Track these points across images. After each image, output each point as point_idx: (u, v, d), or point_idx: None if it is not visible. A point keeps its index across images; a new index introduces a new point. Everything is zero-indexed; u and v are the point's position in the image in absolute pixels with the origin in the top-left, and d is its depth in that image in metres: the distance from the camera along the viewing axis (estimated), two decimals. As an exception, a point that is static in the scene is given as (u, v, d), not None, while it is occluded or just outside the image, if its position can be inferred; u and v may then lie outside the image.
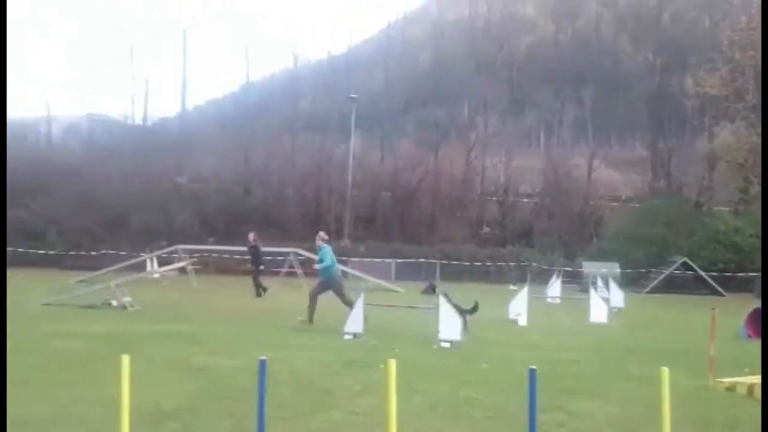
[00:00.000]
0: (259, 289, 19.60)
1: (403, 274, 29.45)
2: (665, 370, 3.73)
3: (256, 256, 20.67)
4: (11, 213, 33.09)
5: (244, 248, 23.05)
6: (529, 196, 40.64)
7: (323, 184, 37.33)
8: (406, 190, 37.49)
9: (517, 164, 41.52)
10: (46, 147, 43.96)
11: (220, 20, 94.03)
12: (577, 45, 53.05)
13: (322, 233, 14.11)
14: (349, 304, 12.21)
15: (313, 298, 13.12)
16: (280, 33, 49.78)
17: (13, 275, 24.73)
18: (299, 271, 24.03)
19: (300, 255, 24.61)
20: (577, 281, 27.71)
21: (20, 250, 30.94)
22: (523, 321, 13.81)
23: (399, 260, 30.80)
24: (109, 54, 75.83)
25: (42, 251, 31.12)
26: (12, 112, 51.40)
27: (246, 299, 18.70)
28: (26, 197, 33.79)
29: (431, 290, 21.16)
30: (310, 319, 12.83)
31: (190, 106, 50.33)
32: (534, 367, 3.60)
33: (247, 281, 20.66)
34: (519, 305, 14.33)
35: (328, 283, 13.23)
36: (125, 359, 3.29)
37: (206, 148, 40.63)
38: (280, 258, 25.95)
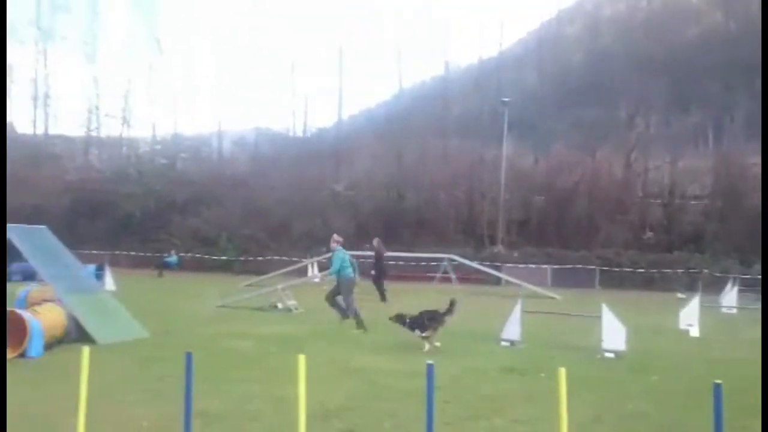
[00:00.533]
0: (384, 294, 19.57)
1: (560, 280, 28.55)
2: None
3: (376, 261, 20.77)
4: (189, 222, 36.11)
5: (399, 254, 23.40)
6: (697, 197, 37.84)
7: (476, 188, 37.14)
8: (561, 193, 36.34)
9: (683, 164, 38.85)
10: (218, 160, 47.45)
11: (373, 31, 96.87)
12: (750, 33, 48.82)
13: (335, 236, 13.74)
14: (342, 311, 12.80)
15: (332, 301, 13.29)
16: (430, 40, 50.89)
17: (190, 279, 27.00)
18: (453, 276, 24.07)
19: (454, 261, 24.64)
20: (755, 290, 25.40)
21: (197, 255, 33.64)
22: (695, 332, 12.87)
23: (555, 266, 29.93)
24: (272, 70, 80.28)
25: (215, 257, 33.59)
26: (188, 129, 56.09)
27: (407, 302, 18.96)
28: (201, 207, 36.67)
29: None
30: (359, 325, 12.45)
31: (345, 116, 52.24)
32: (719, 381, 3.34)
33: (407, 286, 20.92)
34: (690, 315, 13.37)
35: (342, 283, 13.07)
36: (301, 359, 3.46)
37: (361, 156, 41.88)
38: (434, 264, 26.16)
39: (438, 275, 24.57)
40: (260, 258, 31.92)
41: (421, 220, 34.84)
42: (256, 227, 34.98)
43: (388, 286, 20.12)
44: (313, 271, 25.60)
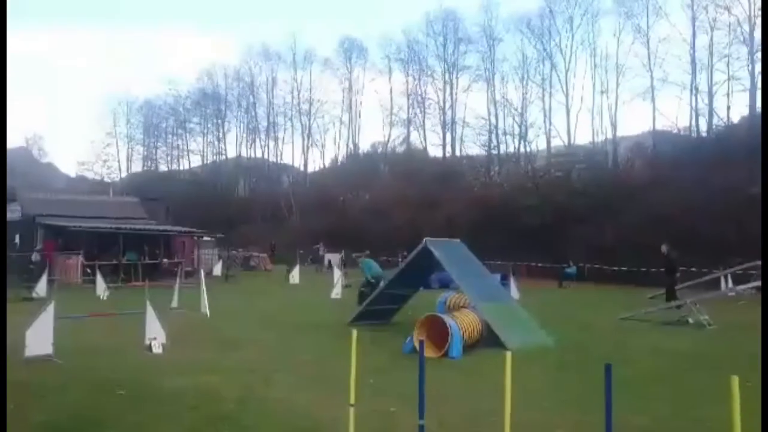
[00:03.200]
0: (671, 300, 17.40)
1: None
2: None
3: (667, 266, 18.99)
4: (586, 232, 36.02)
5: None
6: None
7: None
8: None
9: None
10: (613, 168, 46.47)
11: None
12: None
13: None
14: None
15: None
16: None
17: (589, 290, 26.83)
18: None
19: None
20: None
21: (596, 266, 33.35)
22: None
23: None
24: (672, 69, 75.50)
25: (614, 267, 32.81)
26: (583, 138, 56.18)
27: None
28: (598, 216, 36.27)
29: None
30: None
31: (758, 108, 46.18)
32: None
33: None
34: None
35: None
36: (734, 380, 3.17)
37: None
38: None
39: None
40: (663, 269, 30.11)
41: None
42: (658, 236, 33.14)
43: None
44: (728, 284, 23.19)
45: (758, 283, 20.70)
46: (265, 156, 69.36)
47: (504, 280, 23.27)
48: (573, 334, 12.46)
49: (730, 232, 30.83)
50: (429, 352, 9.60)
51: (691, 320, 14.64)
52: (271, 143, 68.95)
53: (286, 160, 69.76)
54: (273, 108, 68.10)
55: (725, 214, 32.42)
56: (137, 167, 79.59)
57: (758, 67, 43.20)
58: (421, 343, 5.23)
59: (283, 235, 48.25)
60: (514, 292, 20.54)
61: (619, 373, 8.21)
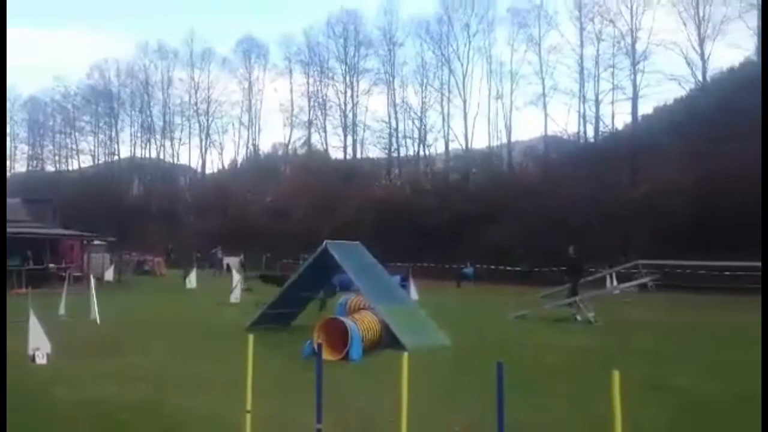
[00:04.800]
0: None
1: None
2: None
3: (571, 267, 19.19)
4: (483, 234, 37.06)
5: (713, 263, 21.25)
6: None
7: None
8: None
9: None
10: (508, 171, 48.09)
11: (667, 20, 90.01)
12: None
13: None
14: None
15: None
16: (739, 22, 44.22)
17: (486, 290, 27.65)
18: (779, 288, 21.10)
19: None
20: None
21: (492, 267, 34.37)
22: None
23: None
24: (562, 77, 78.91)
25: (509, 268, 33.94)
26: (479, 143, 57.86)
27: (724, 318, 17.23)
28: (494, 218, 37.40)
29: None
30: None
31: (639, 116, 49.12)
32: None
33: (718, 299, 19.05)
34: None
35: None
36: (615, 375, 3.32)
37: (661, 159, 38.98)
38: (756, 274, 23.19)
39: (760, 287, 21.69)
40: (555, 268, 31.44)
41: (738, 226, 31.13)
42: (549, 237, 34.57)
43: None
44: (613, 283, 24.45)
45: (642, 281, 22.01)
46: (161, 156, 67.17)
47: (403, 281, 23.53)
48: (470, 334, 12.77)
49: (615, 233, 32.59)
50: (329, 355, 9.57)
51: (579, 318, 15.35)
52: (167, 143, 66.88)
53: (183, 160, 67.88)
54: (169, 107, 66.10)
55: (611, 215, 34.25)
56: (21, 167, 75.03)
57: (639, 78, 46.03)
58: (319, 346, 5.19)
59: (179, 238, 46.81)
60: (413, 293, 20.83)
61: (513, 371, 8.45)
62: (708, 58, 44.83)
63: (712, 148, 35.94)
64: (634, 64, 46.00)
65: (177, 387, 7.85)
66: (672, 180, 35.56)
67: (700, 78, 45.61)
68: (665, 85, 58.22)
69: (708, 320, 16.79)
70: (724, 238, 29.87)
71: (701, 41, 44.39)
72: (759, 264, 22.43)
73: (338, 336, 9.90)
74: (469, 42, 52.12)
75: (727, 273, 25.94)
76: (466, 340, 11.86)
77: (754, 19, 43.83)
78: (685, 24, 45.22)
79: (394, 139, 55.21)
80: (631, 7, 45.78)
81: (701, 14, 44.31)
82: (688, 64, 45.39)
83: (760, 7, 23.64)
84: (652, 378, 8.50)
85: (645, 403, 6.96)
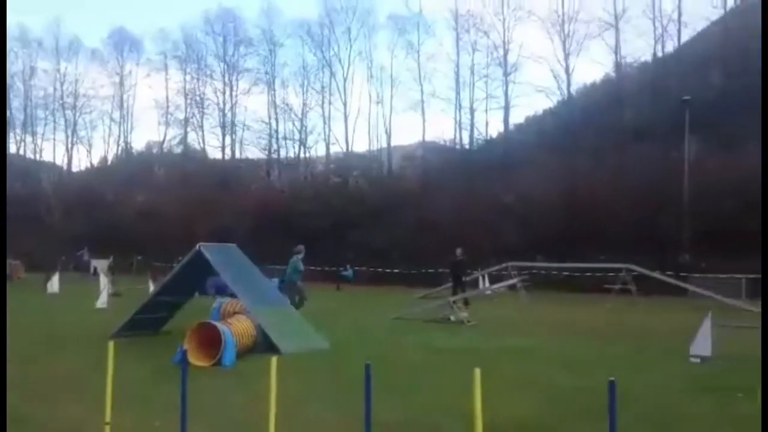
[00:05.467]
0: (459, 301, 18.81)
1: (757, 291, 25.95)
2: None
3: (458, 269, 20.39)
4: (363, 237, 37.38)
5: (574, 264, 22.61)
6: None
7: (656, 196, 34.89)
8: (755, 196, 33.09)
9: None
10: (388, 176, 48.87)
11: (536, 34, 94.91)
12: None
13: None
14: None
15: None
16: (599, 40, 47.79)
17: (366, 292, 27.91)
18: (633, 288, 22.81)
19: (633, 271, 23.33)
20: None
21: (371, 269, 34.76)
22: None
23: (750, 276, 27.28)
24: (439, 85, 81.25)
25: (388, 270, 34.48)
26: (360, 146, 58.35)
27: (576, 315, 18.31)
28: (374, 222, 37.85)
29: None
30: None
31: (511, 125, 51.52)
32: None
33: (578, 297, 20.25)
34: None
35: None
36: (477, 372, 3.44)
37: (530, 166, 41.02)
38: (611, 275, 24.96)
39: (616, 287, 23.37)
40: (432, 270, 32.25)
41: (597, 230, 33.33)
42: (427, 240, 35.44)
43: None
44: (485, 284, 25.42)
45: (511, 282, 23.05)
46: (21, 152, 62.59)
47: (282, 284, 23.32)
48: (348, 336, 12.85)
49: (487, 236, 33.87)
50: (200, 362, 9.30)
51: (452, 318, 15.82)
52: (29, 138, 62.45)
53: (47, 157, 63.66)
54: (31, 100, 61.69)
55: (484, 220, 35.59)
56: None
57: (511, 88, 48.23)
58: (184, 352, 5.03)
59: (41, 240, 43.82)
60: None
61: (387, 371, 8.64)
62: (572, 72, 47.73)
63: (575, 158, 38.29)
64: (506, 74, 48.17)
65: (30, 398, 7.34)
66: (539, 187, 37.51)
67: (565, 91, 48.45)
68: (534, 96, 61.30)
69: (573, 318, 17.78)
70: (585, 242, 31.89)
71: (566, 56, 47.18)
72: (615, 265, 24.27)
73: (210, 341, 9.64)
74: (350, 46, 52.57)
75: (588, 274, 27.82)
76: (344, 341, 11.92)
77: (612, 38, 47.19)
78: (551, 39, 47.96)
79: (274, 140, 54.68)
80: (504, 20, 47.98)
81: (566, 31, 47.14)
82: (555, 77, 48.12)
83: (760, 7, 25.20)
84: (521, 374, 8.92)
85: (513, 399, 7.27)
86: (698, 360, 9.92)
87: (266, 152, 55.12)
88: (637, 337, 13.37)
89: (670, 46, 49.35)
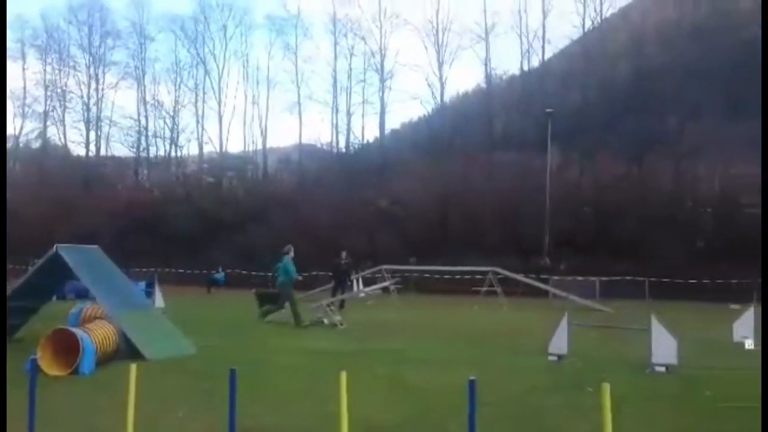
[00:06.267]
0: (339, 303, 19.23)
1: (609, 292, 27.99)
2: None
3: (341, 271, 20.85)
4: (236, 239, 36.62)
5: (445, 268, 23.29)
6: (751, 206, 36.68)
7: (521, 201, 36.75)
8: (609, 204, 35.72)
9: (736, 172, 37.75)
10: (262, 178, 48.21)
11: (412, 42, 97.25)
12: (804, 35, 47.30)
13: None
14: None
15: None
16: (471, 51, 49.88)
17: (237, 296, 27.30)
18: (499, 289, 23.85)
19: (499, 274, 24.40)
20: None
21: (244, 272, 34.13)
22: (750, 344, 12.43)
23: (603, 278, 29.36)
24: (317, 87, 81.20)
25: (261, 273, 33.96)
26: (235, 147, 57.15)
27: (447, 317, 18.90)
28: (247, 224, 37.20)
29: None
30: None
31: (387, 131, 52.43)
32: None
33: (449, 300, 20.90)
34: (745, 326, 12.94)
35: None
36: (343, 375, 3.47)
37: (405, 171, 41.94)
38: (479, 277, 25.98)
39: (483, 289, 24.37)
40: (306, 274, 32.07)
41: (467, 234, 34.62)
42: (301, 243, 35.21)
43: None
44: (359, 287, 25.63)
45: (385, 285, 23.43)
46: None
47: (149, 287, 22.45)
48: (217, 340, 12.53)
49: (363, 239, 34.24)
50: (56, 370, 8.76)
51: (326, 321, 15.85)
52: None
53: None
54: None
55: (360, 223, 35.95)
56: None
57: (387, 94, 49.11)
58: (33, 361, 4.71)
59: None
60: (159, 300, 19.92)
61: (256, 376, 8.52)
62: (446, 81, 49.28)
63: (447, 164, 39.56)
64: (382, 80, 48.96)
65: None
66: (413, 191, 38.43)
67: (439, 99, 49.94)
68: (409, 102, 62.93)
69: (442, 319, 18.30)
70: (457, 246, 32.99)
71: (440, 65, 48.65)
72: (482, 268, 25.29)
73: (67, 349, 9.09)
74: (226, 44, 51.42)
75: (458, 276, 28.84)
76: (213, 346, 11.62)
77: (483, 51, 49.21)
78: (426, 48, 49.32)
79: (143, 138, 52.39)
80: (381, 27, 48.76)
81: (440, 41, 48.63)
82: (429, 85, 49.50)
83: (761, 7, 26.09)
84: (390, 376, 9.06)
85: (381, 400, 7.39)
86: (555, 358, 10.53)
87: (134, 150, 52.74)
88: (500, 336, 14.00)
89: (536, 61, 52.08)
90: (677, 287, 28.96)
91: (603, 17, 50.90)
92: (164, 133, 52.52)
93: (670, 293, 28.19)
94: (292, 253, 16.59)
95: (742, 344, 12.47)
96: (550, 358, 10.57)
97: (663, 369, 9.40)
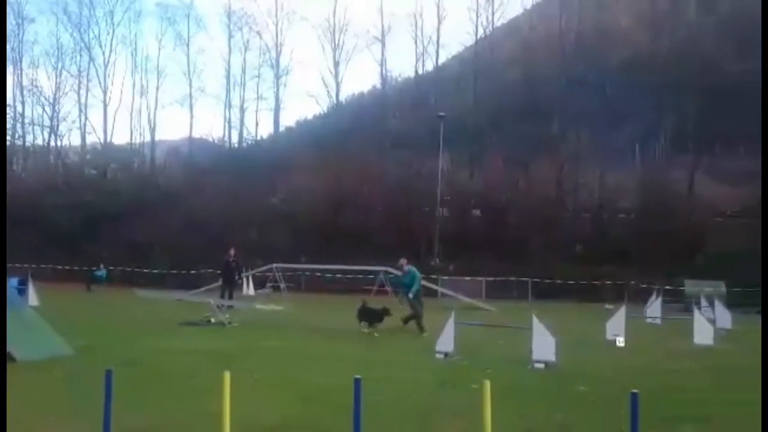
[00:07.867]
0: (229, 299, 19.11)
1: (494, 292, 29.04)
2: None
3: (230, 269, 20.41)
4: (120, 234, 35.07)
5: (337, 267, 23.30)
6: (626, 212, 39.21)
7: (413, 202, 37.42)
8: (496, 207, 37.06)
9: (612, 179, 40.20)
10: (150, 170, 46.41)
11: (308, 40, 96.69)
12: (676, 55, 50.96)
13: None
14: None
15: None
16: (367, 52, 50.53)
17: (120, 293, 26.17)
18: (389, 289, 24.15)
19: (390, 273, 24.71)
20: (678, 301, 26.42)
21: (127, 269, 32.73)
22: (621, 342, 13.25)
23: (489, 279, 30.40)
24: (209, 81, 79.29)
25: (146, 270, 32.71)
26: (120, 138, 54.67)
27: (338, 316, 18.91)
28: (132, 219, 35.68)
29: None
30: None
31: (282, 127, 51.90)
32: (636, 391, 3.45)
33: (340, 299, 20.92)
34: (617, 325, 13.77)
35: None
36: (226, 376, 3.39)
37: (298, 168, 41.66)
38: (371, 276, 26.22)
39: (374, 288, 24.60)
40: (193, 271, 31.23)
41: (359, 233, 34.83)
42: (190, 240, 34.26)
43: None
44: (249, 285, 25.21)
45: (276, 284, 23.14)
46: None
47: (21, 285, 21.19)
48: (96, 340, 11.94)
49: (253, 236, 33.72)
50: None
51: (213, 320, 15.46)
52: None
53: None
54: None
55: (252, 220, 35.37)
56: None
57: (282, 91, 48.62)
58: None
59: None
60: (33, 298, 18.77)
61: (136, 376, 8.19)
62: (341, 81, 49.41)
63: (342, 163, 39.65)
64: (277, 77, 48.43)
65: None
66: (307, 189, 38.24)
67: (335, 98, 50.00)
68: (305, 100, 62.61)
69: (331, 318, 18.29)
70: (350, 245, 33.13)
71: (336, 65, 48.71)
72: (372, 268, 25.52)
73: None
74: (113, 30, 49.19)
75: (350, 276, 28.97)
76: (92, 346, 11.06)
77: (379, 53, 49.73)
78: (323, 47, 49.21)
79: (19, 125, 49.14)
80: (277, 22, 48.22)
81: (336, 41, 48.70)
82: (325, 84, 49.46)
83: (761, 7, 26.20)
84: (277, 375, 8.97)
85: (267, 399, 7.28)
86: (442, 356, 10.78)
87: (9, 138, 49.31)
88: (389, 335, 14.13)
89: (430, 65, 53.19)
90: (558, 288, 30.50)
91: (494, 26, 52.63)
92: (43, 120, 49.56)
93: (551, 294, 29.64)
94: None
95: (614, 342, 13.27)
96: (437, 355, 10.81)
97: (542, 366, 9.83)
